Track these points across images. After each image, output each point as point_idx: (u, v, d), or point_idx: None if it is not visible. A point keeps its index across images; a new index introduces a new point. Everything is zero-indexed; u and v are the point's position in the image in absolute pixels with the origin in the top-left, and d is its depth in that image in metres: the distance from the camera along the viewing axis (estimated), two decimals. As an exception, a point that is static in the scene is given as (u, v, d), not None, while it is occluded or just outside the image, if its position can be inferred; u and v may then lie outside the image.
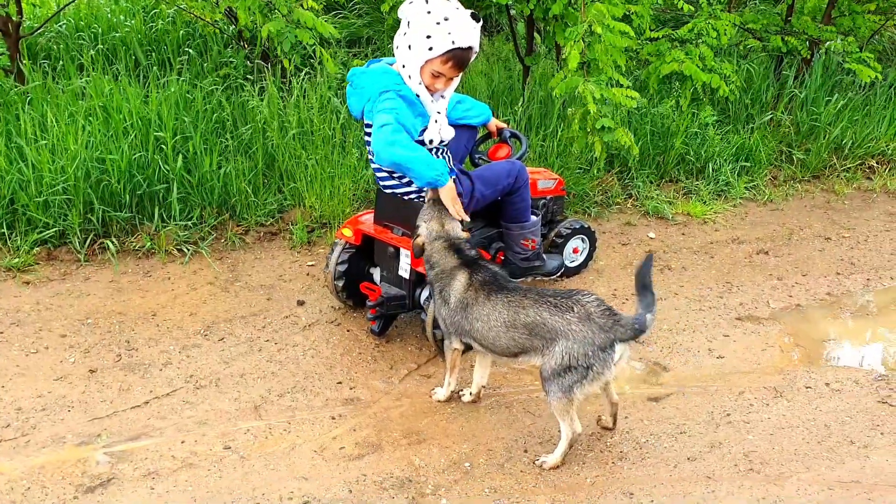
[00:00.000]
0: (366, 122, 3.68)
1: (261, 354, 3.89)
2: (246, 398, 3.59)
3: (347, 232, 4.01)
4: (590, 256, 4.78)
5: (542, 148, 5.69)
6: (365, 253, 4.09)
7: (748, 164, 6.17)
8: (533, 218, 4.19)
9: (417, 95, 3.56)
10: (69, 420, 3.40)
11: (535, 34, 6.49)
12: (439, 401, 3.62)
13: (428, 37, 3.46)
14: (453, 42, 3.46)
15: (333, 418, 3.50)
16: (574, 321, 3.08)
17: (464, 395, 3.64)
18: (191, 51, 6.05)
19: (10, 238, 4.53)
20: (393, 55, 3.65)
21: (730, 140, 6.21)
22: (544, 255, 4.37)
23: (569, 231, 4.58)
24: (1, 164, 4.52)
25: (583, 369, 3.07)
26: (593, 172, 5.62)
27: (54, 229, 4.54)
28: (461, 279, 3.34)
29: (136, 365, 3.76)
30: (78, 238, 4.58)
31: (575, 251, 4.68)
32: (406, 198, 3.80)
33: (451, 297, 3.35)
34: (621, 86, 4.86)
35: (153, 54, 6.01)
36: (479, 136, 4.36)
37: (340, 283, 4.11)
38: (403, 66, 3.55)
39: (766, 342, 4.20)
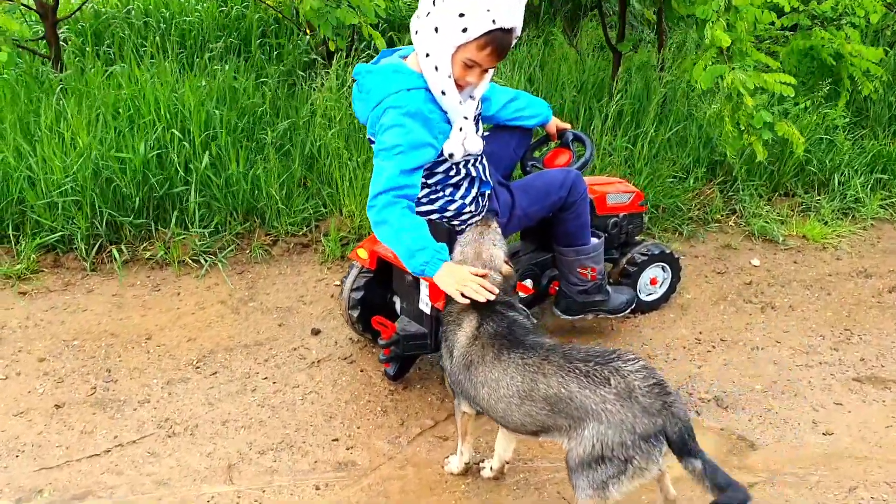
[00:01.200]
0: (369, 136, 2.97)
1: (253, 396, 3.27)
2: (221, 453, 2.99)
3: (362, 253, 3.32)
4: (672, 289, 3.92)
5: (628, 152, 4.82)
6: (384, 279, 3.39)
7: (885, 177, 5.08)
8: (594, 241, 3.39)
9: (443, 92, 2.79)
10: (13, 468, 2.90)
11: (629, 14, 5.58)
12: (452, 473, 2.90)
13: (461, 15, 2.69)
14: (493, 21, 2.68)
15: (318, 488, 2.85)
16: (610, 399, 2.30)
17: (484, 468, 2.92)
18: (264, 38, 5.50)
19: (16, 242, 4.08)
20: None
21: (864, 146, 5.14)
22: (609, 288, 3.55)
23: (645, 257, 3.74)
24: (9, 160, 4.07)
25: (620, 462, 2.29)
26: (689, 183, 4.70)
27: (59, 234, 4.06)
28: (467, 328, 2.62)
29: (110, 401, 3.23)
30: (84, 244, 4.08)
31: (653, 282, 3.83)
32: (428, 218, 3.07)
33: (455, 350, 2.62)
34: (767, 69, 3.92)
35: (225, 41, 5.47)
36: (534, 139, 3.58)
37: (355, 313, 3.44)
38: (427, 56, 2.81)
39: (893, 416, 3.24)
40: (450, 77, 2.78)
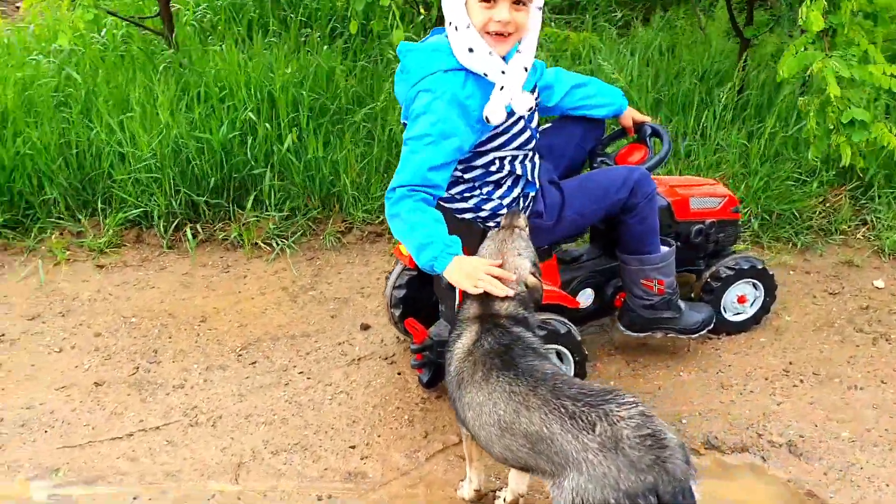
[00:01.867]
0: (402, 121, 2.74)
1: (283, 391, 3.17)
2: (235, 449, 2.91)
3: (404, 250, 3.11)
4: (765, 309, 3.45)
5: (745, 148, 4.31)
6: (429, 278, 3.17)
7: None
8: (664, 249, 3.01)
9: (471, 50, 2.51)
10: (40, 443, 2.95)
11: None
12: (464, 500, 2.65)
13: None
14: None
15: (320, 498, 2.70)
16: (593, 447, 1.98)
17: (498, 498, 2.65)
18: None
19: (105, 216, 4.19)
20: None
21: None
22: (683, 304, 3.15)
23: (731, 272, 3.29)
24: (101, 135, 4.18)
25: None
26: (812, 187, 4.13)
27: (140, 210, 4.13)
28: (465, 339, 2.37)
29: (147, 383, 3.23)
30: (163, 221, 4.12)
31: (741, 300, 3.38)
32: (461, 216, 2.82)
33: (452, 364, 2.37)
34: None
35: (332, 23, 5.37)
36: (606, 133, 3.23)
37: (397, 312, 3.25)
38: (450, 24, 2.55)
39: None
40: (469, 27, 2.49)
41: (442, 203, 2.84)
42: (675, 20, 5.62)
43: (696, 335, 3.21)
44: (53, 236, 4.14)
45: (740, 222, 3.49)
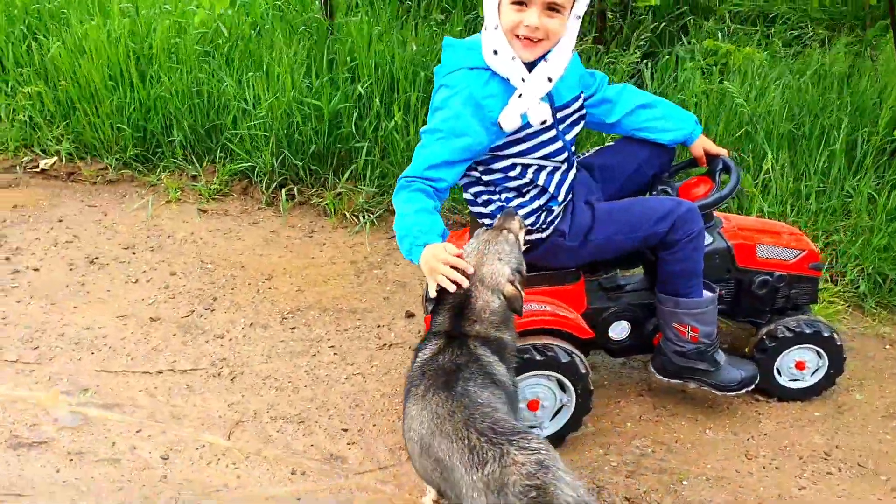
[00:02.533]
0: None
1: (309, 361, 3.27)
2: (241, 407, 3.04)
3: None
4: (829, 381, 3.09)
5: (874, 200, 3.85)
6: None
7: None
8: (707, 294, 2.78)
9: (495, 52, 2.43)
10: (83, 364, 3.23)
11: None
12: (424, 506, 2.63)
13: None
14: None
15: (294, 472, 2.78)
16: (479, 487, 1.90)
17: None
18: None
19: (223, 164, 4.47)
20: None
21: None
22: (724, 356, 2.91)
23: (790, 334, 2.98)
24: (230, 88, 4.44)
25: None
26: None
27: (248, 164, 4.36)
28: (426, 352, 2.31)
29: (194, 328, 3.44)
30: (268, 179, 4.33)
31: (799, 366, 3.05)
32: (481, 221, 2.76)
33: (409, 373, 2.34)
34: None
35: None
36: (675, 160, 3.02)
37: (430, 306, 3.22)
38: (485, 29, 2.49)
39: None
40: (497, 28, 2.41)
41: (469, 206, 2.79)
42: (860, 47, 5.07)
43: (733, 394, 2.94)
44: (171, 176, 4.46)
45: (819, 281, 3.12)
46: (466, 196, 2.76)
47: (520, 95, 2.48)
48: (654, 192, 2.98)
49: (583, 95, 2.73)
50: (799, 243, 3.04)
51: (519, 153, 2.58)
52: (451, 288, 2.29)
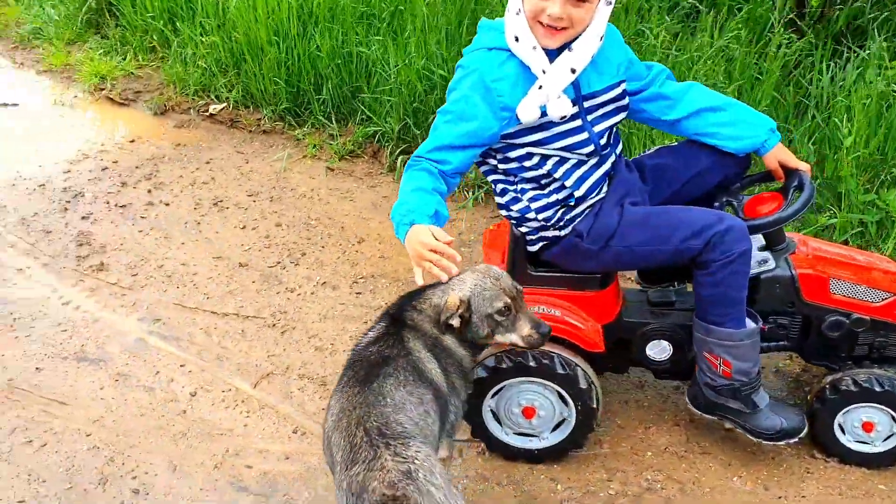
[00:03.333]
0: None
1: (357, 327, 3.34)
2: (278, 360, 3.19)
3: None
4: (904, 452, 2.62)
5: None
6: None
7: None
8: (746, 327, 2.47)
9: (516, 39, 2.28)
10: (167, 294, 3.54)
11: None
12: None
13: None
14: None
15: (294, 432, 2.88)
16: (343, 485, 1.85)
17: None
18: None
19: (359, 125, 4.62)
20: None
21: None
22: (764, 398, 2.58)
23: (855, 388, 2.56)
24: (377, 52, 4.55)
25: None
26: None
27: (377, 129, 4.47)
28: (367, 337, 2.26)
29: (273, 278, 3.63)
30: (392, 144, 4.42)
31: (866, 428, 2.61)
32: (502, 211, 2.64)
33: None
34: None
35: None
36: (747, 172, 2.68)
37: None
38: (508, 11, 2.35)
39: None
40: (520, 14, 2.26)
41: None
42: None
43: (771, 443, 2.58)
44: (314, 133, 4.67)
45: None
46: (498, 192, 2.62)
47: (540, 87, 2.30)
48: (716, 204, 2.65)
49: (623, 86, 2.47)
50: (889, 279, 2.57)
51: (535, 142, 2.40)
52: (443, 278, 2.16)
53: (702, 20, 4.35)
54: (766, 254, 2.62)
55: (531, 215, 2.48)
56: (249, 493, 2.62)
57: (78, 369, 3.10)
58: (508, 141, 2.41)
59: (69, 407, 2.93)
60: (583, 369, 2.54)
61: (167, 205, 4.16)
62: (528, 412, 2.62)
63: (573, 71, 2.29)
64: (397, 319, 2.23)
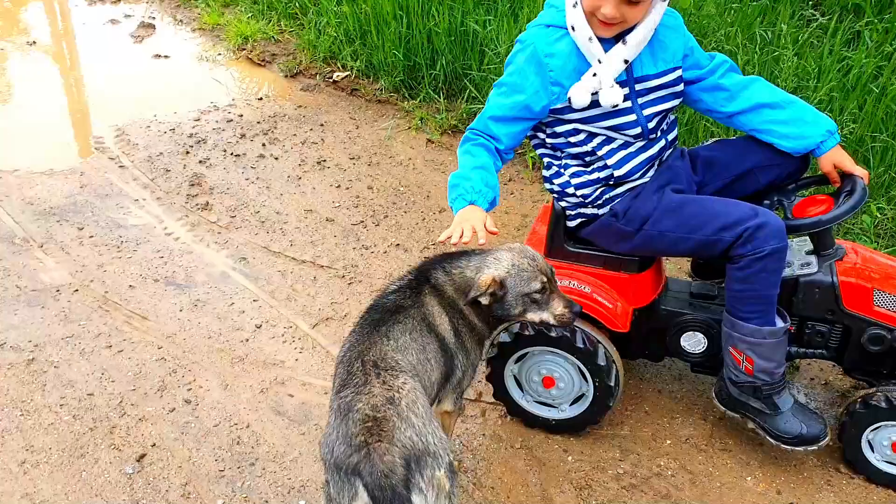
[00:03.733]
0: None
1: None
2: (339, 308, 3.43)
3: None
4: (935, 481, 2.53)
5: None
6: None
7: None
8: (779, 322, 2.47)
9: (573, 28, 2.37)
10: (257, 238, 3.85)
11: None
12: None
13: None
14: None
15: (303, 385, 3.07)
16: (333, 407, 2.03)
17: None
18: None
19: (466, 102, 4.79)
20: None
21: None
22: (788, 401, 2.57)
23: (885, 405, 2.50)
24: (488, 30, 4.71)
25: (325, 480, 2.04)
26: None
27: (479, 105, 4.61)
28: (392, 285, 2.41)
29: (352, 235, 3.87)
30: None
31: None
32: (546, 185, 2.74)
33: None
34: None
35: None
36: (799, 172, 2.66)
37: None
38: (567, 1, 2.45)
39: None
40: (577, 6, 2.35)
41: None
42: None
43: (790, 449, 2.56)
44: (423, 106, 4.87)
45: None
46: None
47: (594, 74, 2.38)
48: (766, 202, 2.64)
49: (679, 72, 2.50)
50: (946, 303, 2.48)
51: (583, 119, 2.47)
52: (454, 240, 2.24)
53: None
54: (812, 258, 2.58)
55: (570, 190, 2.56)
56: (285, 417, 2.84)
57: (164, 291, 3.44)
58: (557, 116, 2.49)
59: (149, 322, 3.26)
60: (605, 347, 2.60)
61: (276, 158, 4.47)
62: (548, 382, 2.70)
63: (626, 62, 2.35)
64: (424, 276, 2.36)
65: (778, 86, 3.57)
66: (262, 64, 5.61)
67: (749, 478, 2.63)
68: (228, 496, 2.54)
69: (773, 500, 2.56)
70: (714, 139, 2.81)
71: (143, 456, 2.67)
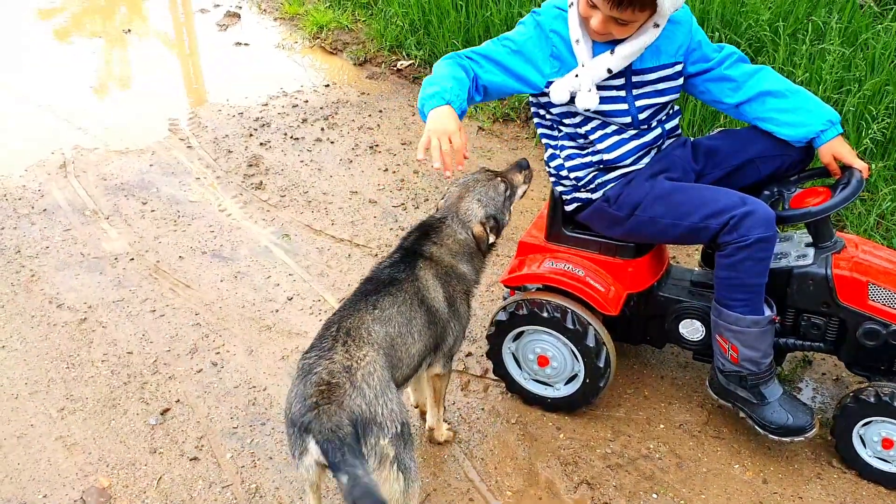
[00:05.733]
0: None
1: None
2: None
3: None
4: (926, 479, 2.50)
5: None
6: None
7: None
8: (765, 312, 2.51)
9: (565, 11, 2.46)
10: (302, 217, 4.07)
11: None
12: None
13: None
14: None
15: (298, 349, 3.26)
16: (300, 363, 2.21)
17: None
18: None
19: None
20: None
21: None
22: (775, 392, 2.60)
23: (873, 400, 2.49)
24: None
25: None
26: None
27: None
28: (384, 261, 2.57)
29: (391, 217, 4.04)
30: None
31: (886, 444, 2.53)
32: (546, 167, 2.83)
33: None
34: None
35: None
36: (803, 164, 2.67)
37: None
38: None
39: None
40: (573, 6, 2.43)
41: None
42: None
43: (777, 439, 2.58)
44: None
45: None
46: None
47: (576, 75, 2.46)
48: (766, 193, 2.65)
49: (679, 67, 2.54)
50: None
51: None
52: (437, 164, 2.26)
53: None
54: (809, 250, 2.58)
55: (564, 173, 2.65)
56: (300, 384, 3.03)
57: (210, 263, 3.70)
58: (542, 99, 2.57)
59: (191, 290, 3.52)
60: (595, 329, 2.67)
61: (332, 143, 4.68)
62: (542, 361, 2.79)
63: (609, 71, 2.41)
64: (414, 252, 2.50)
65: (822, 80, 3.54)
66: (334, 52, 5.84)
67: (737, 465, 2.65)
68: (237, 451, 2.74)
69: (758, 489, 2.58)
70: (719, 129, 2.82)
71: (166, 410, 2.91)
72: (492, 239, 2.48)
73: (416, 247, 2.52)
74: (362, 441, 2.00)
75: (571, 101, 2.47)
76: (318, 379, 2.08)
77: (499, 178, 2.53)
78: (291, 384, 2.14)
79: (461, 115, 2.33)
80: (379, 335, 2.25)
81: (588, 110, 2.46)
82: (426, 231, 2.54)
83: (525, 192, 2.64)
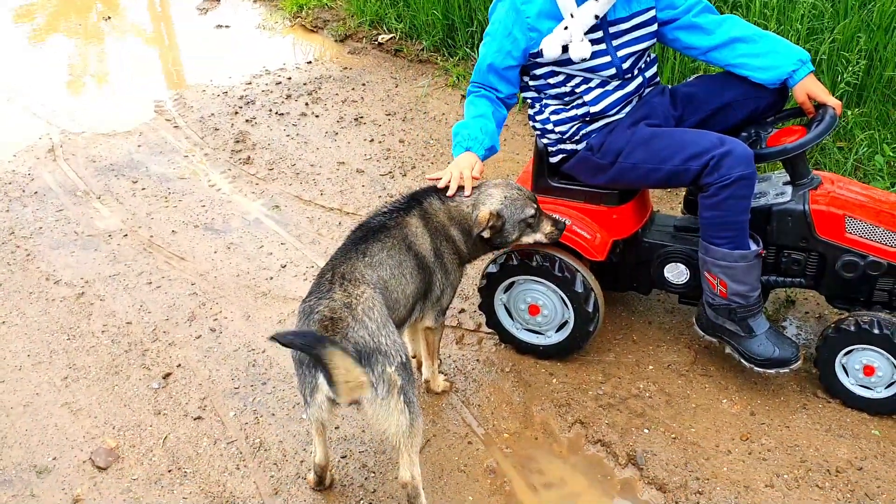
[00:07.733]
0: None
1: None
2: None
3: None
4: (910, 400, 2.60)
5: None
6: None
7: None
8: (752, 246, 2.59)
9: None
10: (290, 187, 4.12)
11: None
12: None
13: None
14: None
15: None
16: (299, 311, 2.28)
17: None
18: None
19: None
20: None
21: None
22: (762, 325, 2.68)
23: (853, 329, 2.57)
24: None
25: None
26: None
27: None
28: (385, 206, 2.64)
29: (379, 184, 4.10)
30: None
31: (867, 372, 2.62)
32: (531, 124, 2.90)
33: None
34: None
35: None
36: (777, 105, 2.74)
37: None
38: None
39: None
40: None
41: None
42: None
43: (762, 371, 2.66)
44: (461, 63, 5.05)
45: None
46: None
47: (565, 28, 2.53)
48: (743, 134, 2.73)
49: (652, 13, 2.61)
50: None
51: (560, 62, 2.62)
52: (442, 184, 2.58)
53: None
54: (787, 188, 2.66)
55: (550, 127, 2.72)
56: (298, 345, 3.10)
57: (203, 236, 3.76)
58: (535, 60, 2.65)
59: (186, 262, 3.58)
60: (583, 275, 2.75)
61: (317, 116, 4.74)
62: (533, 309, 2.87)
63: (596, 17, 2.49)
64: (417, 200, 2.57)
65: (793, 28, 3.62)
66: (315, 30, 5.89)
67: (725, 400, 2.74)
68: (240, 409, 2.81)
69: (746, 421, 2.66)
70: (695, 75, 2.90)
71: (168, 374, 2.97)
72: (486, 233, 2.52)
73: (420, 196, 2.58)
74: (369, 370, 2.06)
75: (564, 54, 2.54)
76: (321, 316, 2.15)
77: (535, 206, 2.58)
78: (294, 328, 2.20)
79: (490, 151, 2.64)
80: (375, 277, 2.32)
81: (584, 59, 2.53)
82: (438, 189, 2.60)
83: (536, 242, 2.66)
